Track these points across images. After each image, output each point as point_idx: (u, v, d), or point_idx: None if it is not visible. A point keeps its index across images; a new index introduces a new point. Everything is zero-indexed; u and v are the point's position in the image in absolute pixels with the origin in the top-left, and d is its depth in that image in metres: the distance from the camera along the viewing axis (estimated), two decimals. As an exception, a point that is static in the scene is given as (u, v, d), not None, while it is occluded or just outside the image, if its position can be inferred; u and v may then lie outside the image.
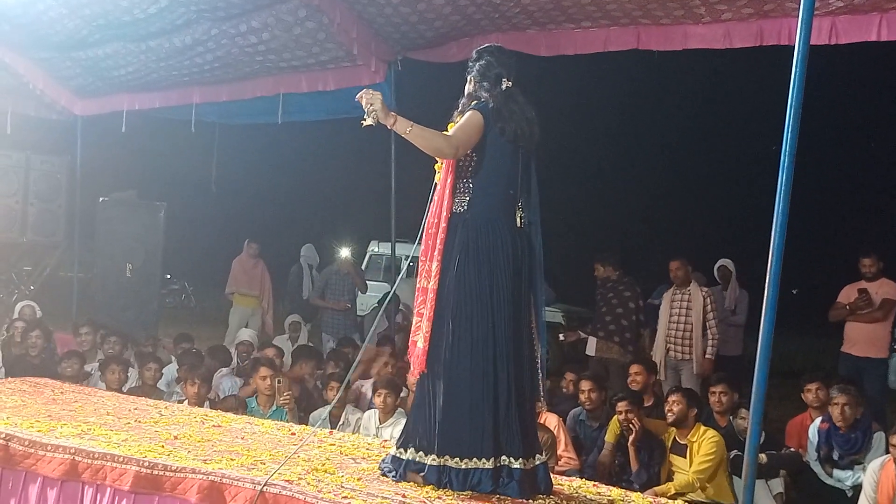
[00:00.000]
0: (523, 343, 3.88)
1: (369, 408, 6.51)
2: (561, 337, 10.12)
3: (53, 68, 9.76)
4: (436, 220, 3.84)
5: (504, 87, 3.92)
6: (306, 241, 12.70)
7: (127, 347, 8.60)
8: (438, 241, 3.80)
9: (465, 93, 4.01)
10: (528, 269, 3.90)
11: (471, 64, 4.04)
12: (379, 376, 6.81)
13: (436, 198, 3.88)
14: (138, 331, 9.72)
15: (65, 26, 8.39)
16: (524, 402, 3.85)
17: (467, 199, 3.84)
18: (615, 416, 5.97)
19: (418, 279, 3.88)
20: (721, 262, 9.44)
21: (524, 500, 3.66)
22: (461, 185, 3.86)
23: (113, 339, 8.33)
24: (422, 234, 3.96)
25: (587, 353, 8.61)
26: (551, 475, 4.06)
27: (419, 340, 3.80)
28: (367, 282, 15.35)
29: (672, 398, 5.74)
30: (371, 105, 3.63)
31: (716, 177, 28.48)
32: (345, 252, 11.00)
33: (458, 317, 3.76)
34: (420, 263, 3.89)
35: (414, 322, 3.89)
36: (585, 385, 6.41)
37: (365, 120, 3.68)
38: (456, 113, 3.97)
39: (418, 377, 3.88)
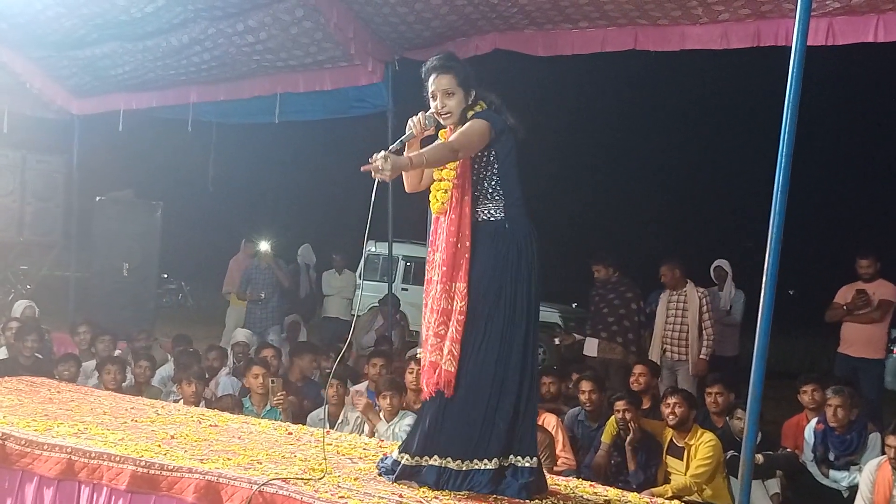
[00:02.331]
0: (535, 346, 3.86)
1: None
2: (556, 341, 10.15)
3: (50, 67, 9.76)
4: (455, 240, 3.68)
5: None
6: (303, 241, 12.72)
7: (116, 345, 8.60)
8: (462, 261, 3.68)
9: (464, 104, 3.81)
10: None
11: (461, 74, 3.80)
12: (378, 378, 6.80)
13: (453, 217, 3.71)
14: (134, 330, 9.72)
15: (62, 25, 8.39)
16: (533, 404, 3.84)
17: (500, 206, 3.75)
18: (612, 417, 5.97)
19: (434, 301, 3.73)
20: (717, 262, 9.45)
21: (521, 501, 3.65)
22: (486, 195, 3.76)
23: (107, 338, 8.33)
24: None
25: (585, 353, 8.61)
26: (549, 475, 4.06)
27: (446, 364, 3.67)
28: (365, 282, 15.46)
29: (672, 400, 5.70)
30: (380, 173, 3.49)
31: (713, 177, 28.58)
32: (264, 246, 11.03)
33: (488, 324, 3.68)
34: (441, 285, 3.71)
35: (431, 342, 3.74)
36: (586, 386, 6.40)
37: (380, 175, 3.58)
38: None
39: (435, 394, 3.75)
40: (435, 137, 3.93)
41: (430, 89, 3.82)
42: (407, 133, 3.84)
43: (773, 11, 5.93)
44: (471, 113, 3.80)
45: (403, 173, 3.84)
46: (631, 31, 6.63)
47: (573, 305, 14.31)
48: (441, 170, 3.78)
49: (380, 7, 7.14)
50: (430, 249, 3.90)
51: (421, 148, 3.82)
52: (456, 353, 3.67)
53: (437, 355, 3.71)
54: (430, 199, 3.85)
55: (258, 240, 11.22)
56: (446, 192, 3.76)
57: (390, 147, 3.79)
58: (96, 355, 8.21)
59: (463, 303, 3.68)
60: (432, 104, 3.82)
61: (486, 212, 3.77)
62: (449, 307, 3.70)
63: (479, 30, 7.18)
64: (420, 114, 3.84)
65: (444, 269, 3.71)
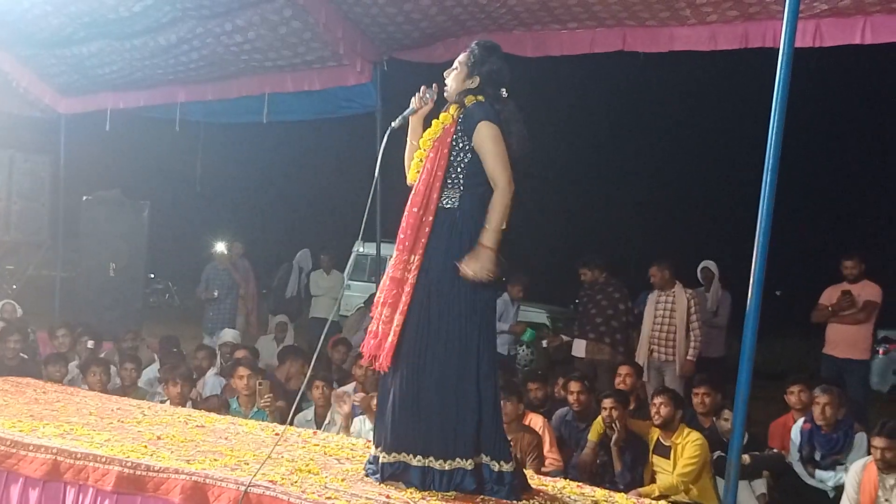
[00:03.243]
0: (492, 339, 3.89)
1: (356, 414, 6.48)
2: (544, 343, 10.17)
3: (38, 65, 9.71)
4: (420, 212, 3.72)
5: (504, 96, 3.86)
6: (291, 241, 12.72)
7: (102, 346, 8.57)
8: (423, 235, 3.71)
9: (463, 84, 3.83)
10: None
11: (474, 56, 3.83)
12: (364, 379, 6.79)
13: (420, 188, 3.74)
14: (121, 330, 9.69)
15: (49, 23, 8.35)
16: (496, 402, 3.83)
17: (457, 195, 3.75)
18: (599, 416, 5.99)
19: (391, 269, 3.75)
20: (704, 263, 9.49)
21: (507, 502, 3.65)
22: (450, 181, 3.76)
23: (86, 340, 8.29)
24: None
25: (574, 354, 8.63)
26: (537, 476, 4.06)
27: (392, 334, 3.68)
28: (353, 282, 15.45)
29: (658, 399, 5.73)
30: (475, 273, 3.60)
31: (700, 178, 28.62)
32: (220, 247, 11.10)
33: (443, 313, 3.69)
34: (397, 253, 3.75)
35: (379, 312, 3.77)
36: (574, 386, 6.42)
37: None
38: (451, 104, 3.86)
39: (385, 372, 3.77)
40: (434, 115, 3.93)
41: None
42: (409, 109, 3.92)
43: (761, 13, 5.95)
44: (469, 98, 3.81)
45: (406, 163, 3.96)
46: (619, 32, 6.64)
47: (573, 305, 14.27)
48: (421, 139, 3.86)
49: (368, 7, 7.13)
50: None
51: (423, 124, 3.93)
52: (398, 323, 3.68)
53: (384, 325, 3.73)
54: (408, 167, 3.93)
55: (217, 241, 11.28)
56: (421, 160, 3.82)
57: (392, 124, 3.91)
58: (79, 357, 8.17)
59: (414, 275, 3.70)
60: None
61: (445, 197, 3.77)
62: (400, 277, 3.72)
63: (467, 30, 7.18)
64: (423, 88, 3.89)
65: (402, 237, 3.74)
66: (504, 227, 3.67)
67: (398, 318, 3.69)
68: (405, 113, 3.92)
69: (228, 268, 11.01)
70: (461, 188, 3.76)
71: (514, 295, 9.87)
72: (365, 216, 3.96)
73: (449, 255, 3.71)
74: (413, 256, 3.71)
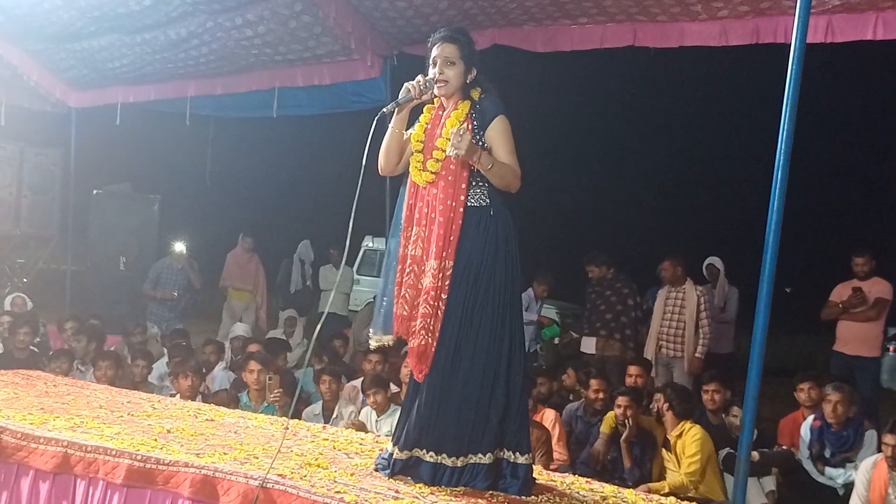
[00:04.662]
0: (521, 336, 3.85)
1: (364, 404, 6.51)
2: (556, 340, 10.19)
3: (48, 60, 9.74)
4: (450, 214, 3.62)
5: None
6: (300, 236, 12.72)
7: (102, 342, 8.58)
8: (454, 237, 3.62)
9: (465, 78, 3.76)
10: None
11: (465, 46, 3.77)
12: (373, 372, 6.80)
13: (448, 190, 3.64)
14: (130, 324, 9.72)
15: (59, 17, 8.37)
16: (524, 397, 3.83)
17: (485, 192, 3.70)
18: (611, 410, 6.00)
19: (424, 279, 3.65)
20: (709, 260, 9.48)
21: (517, 497, 3.65)
22: (474, 180, 3.69)
23: (84, 338, 8.33)
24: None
25: (583, 350, 8.63)
26: (545, 472, 4.05)
27: (428, 340, 3.62)
28: (362, 277, 15.46)
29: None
30: (457, 149, 3.47)
31: (710, 174, 28.55)
32: (179, 247, 11.09)
33: (477, 313, 3.64)
34: (431, 260, 3.63)
35: (419, 324, 3.64)
36: (596, 384, 6.43)
37: (450, 151, 3.54)
38: (459, 100, 3.78)
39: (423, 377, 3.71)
40: (418, 107, 3.88)
41: (433, 55, 3.79)
42: (403, 96, 3.78)
43: (773, 8, 5.94)
44: (475, 91, 3.77)
45: (384, 151, 3.86)
46: (630, 28, 6.63)
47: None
48: (437, 139, 3.74)
49: (378, 1, 7.13)
50: (404, 224, 3.81)
51: (409, 113, 3.85)
52: (437, 329, 3.62)
53: (420, 336, 3.64)
54: (413, 169, 3.79)
55: (176, 241, 11.25)
56: (437, 161, 3.70)
57: (384, 109, 3.80)
58: (84, 352, 8.19)
59: (449, 280, 3.63)
60: (431, 71, 3.78)
61: (472, 196, 3.70)
62: (442, 285, 3.63)
63: (478, 25, 7.17)
64: (420, 76, 3.80)
65: (426, 244, 3.65)
66: (490, 167, 3.56)
67: (435, 325, 3.63)
68: (400, 99, 3.78)
69: (185, 266, 10.99)
70: (486, 185, 3.70)
71: (539, 294, 9.93)
72: (353, 209, 3.87)
73: (485, 254, 3.66)
74: (446, 262, 3.62)
